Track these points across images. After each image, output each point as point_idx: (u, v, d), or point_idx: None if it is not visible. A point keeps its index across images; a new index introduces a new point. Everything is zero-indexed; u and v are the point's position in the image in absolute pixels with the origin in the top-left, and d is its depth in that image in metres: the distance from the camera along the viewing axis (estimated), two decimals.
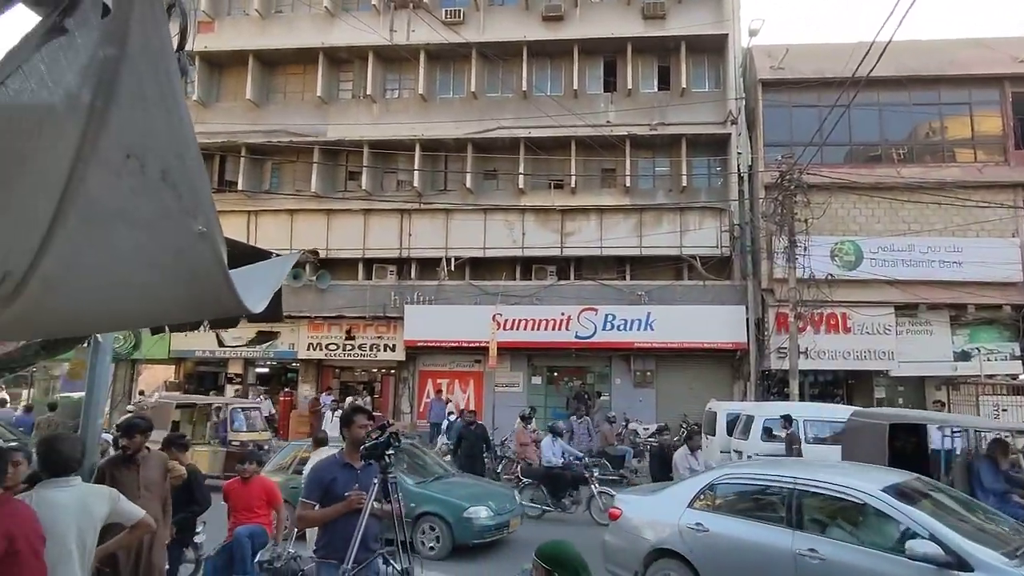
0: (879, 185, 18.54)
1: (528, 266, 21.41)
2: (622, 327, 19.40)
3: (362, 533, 3.71)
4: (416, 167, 21.32)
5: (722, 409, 14.97)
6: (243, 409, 14.40)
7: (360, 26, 20.21)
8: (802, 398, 17.65)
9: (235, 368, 21.90)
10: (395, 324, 20.56)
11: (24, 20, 1.31)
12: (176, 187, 1.58)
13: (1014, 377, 16.94)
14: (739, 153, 20.14)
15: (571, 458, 11.60)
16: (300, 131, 21.48)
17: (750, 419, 13.35)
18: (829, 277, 18.10)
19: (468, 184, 21.25)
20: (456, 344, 20.10)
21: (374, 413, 15.01)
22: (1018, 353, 18.18)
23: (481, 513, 8.58)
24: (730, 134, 20.23)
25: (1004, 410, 15.26)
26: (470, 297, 20.26)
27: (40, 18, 1.28)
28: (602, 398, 19.62)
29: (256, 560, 5.26)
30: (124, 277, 1.89)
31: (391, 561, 3.81)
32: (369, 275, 21.67)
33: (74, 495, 2.99)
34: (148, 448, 4.62)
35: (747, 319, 18.96)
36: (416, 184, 21.33)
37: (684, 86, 20.62)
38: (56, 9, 1.23)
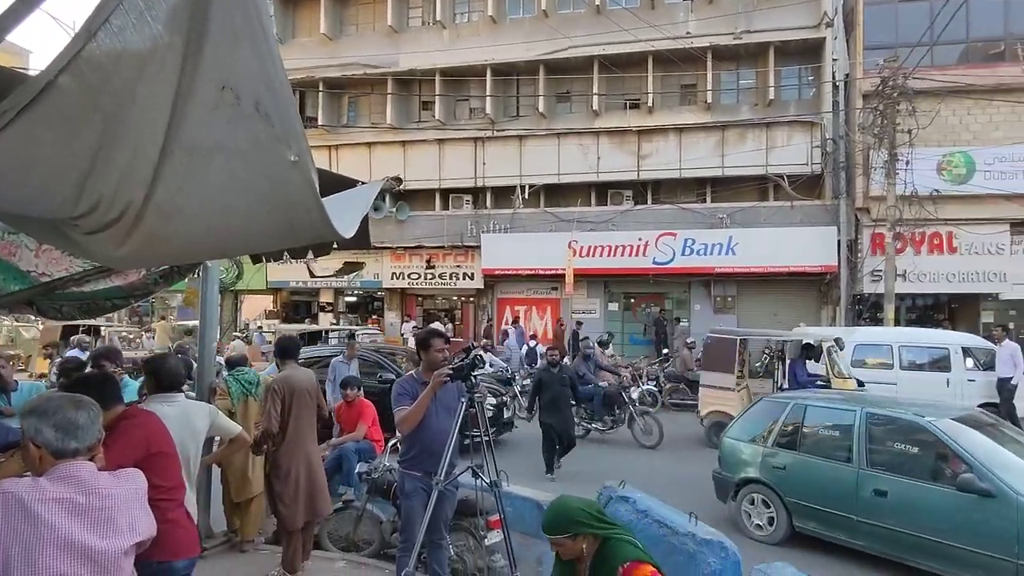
0: (1001, 87, 16.76)
1: (604, 191, 21.01)
2: (702, 252, 18.89)
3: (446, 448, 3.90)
4: (488, 93, 21.01)
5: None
6: None
7: None
8: (898, 323, 16.84)
9: (326, 297, 23.03)
10: (473, 253, 20.86)
11: None
12: (269, 117, 1.64)
13: None
14: (835, 60, 18.57)
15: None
16: (373, 63, 21.50)
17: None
18: (934, 193, 16.81)
19: (541, 108, 20.79)
20: (533, 272, 20.23)
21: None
22: None
23: None
24: (824, 38, 18.67)
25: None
26: (546, 224, 20.20)
27: None
28: (681, 324, 19.40)
29: (356, 471, 5.68)
30: (227, 205, 2.00)
31: (480, 474, 4.00)
32: (446, 205, 21.92)
33: (178, 410, 3.30)
34: None
35: (838, 240, 18.00)
36: (488, 111, 21.08)
37: None
38: None
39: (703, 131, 19.79)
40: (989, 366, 11.84)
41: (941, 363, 12.12)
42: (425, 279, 21.45)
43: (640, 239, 19.24)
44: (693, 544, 3.57)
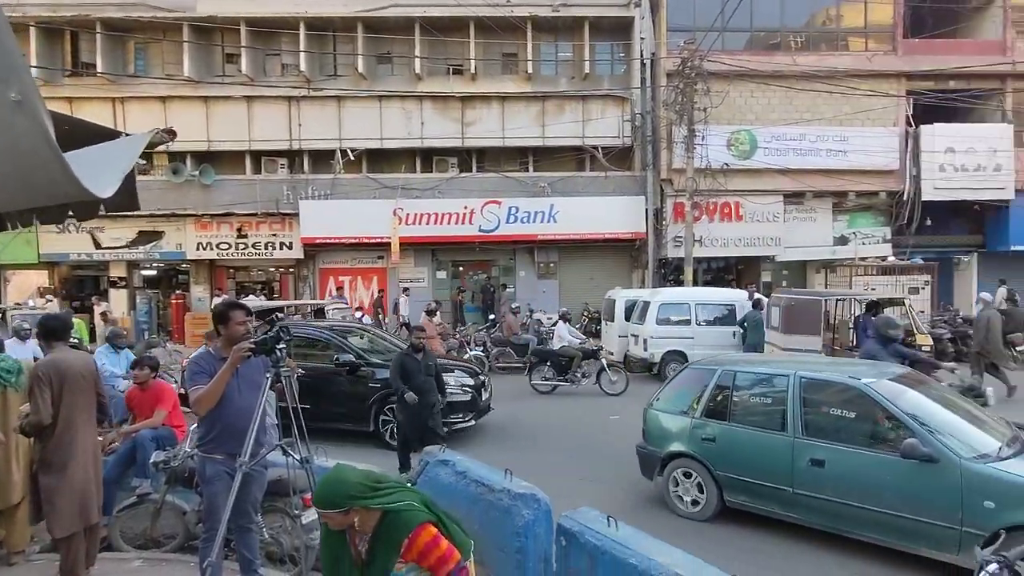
0: (776, 73, 18.94)
1: (429, 158, 20.76)
2: (526, 219, 19.49)
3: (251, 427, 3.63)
4: (302, 48, 19.62)
5: (620, 296, 15.70)
6: None
7: None
8: (696, 284, 18.77)
9: (117, 271, 20.39)
10: (290, 221, 19.66)
11: None
12: None
13: (883, 259, 18.58)
14: (642, 38, 19.83)
15: (578, 340, 13.30)
16: (164, 4, 19.06)
17: (646, 305, 14.09)
18: (725, 167, 18.76)
19: (360, 69, 19.88)
20: (356, 240, 19.56)
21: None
22: (889, 236, 19.92)
23: None
24: (633, 17, 19.82)
25: (873, 289, 16.68)
26: (369, 191, 19.56)
27: None
28: (507, 290, 19.96)
29: (151, 461, 5.12)
30: None
31: (289, 452, 3.78)
32: (258, 169, 20.34)
33: None
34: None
35: (646, 209, 19.49)
36: (303, 68, 19.72)
37: None
38: None
39: (524, 100, 20.23)
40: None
41: (728, 318, 13.75)
42: (237, 249, 19.83)
43: (466, 207, 19.37)
44: (508, 499, 3.67)
